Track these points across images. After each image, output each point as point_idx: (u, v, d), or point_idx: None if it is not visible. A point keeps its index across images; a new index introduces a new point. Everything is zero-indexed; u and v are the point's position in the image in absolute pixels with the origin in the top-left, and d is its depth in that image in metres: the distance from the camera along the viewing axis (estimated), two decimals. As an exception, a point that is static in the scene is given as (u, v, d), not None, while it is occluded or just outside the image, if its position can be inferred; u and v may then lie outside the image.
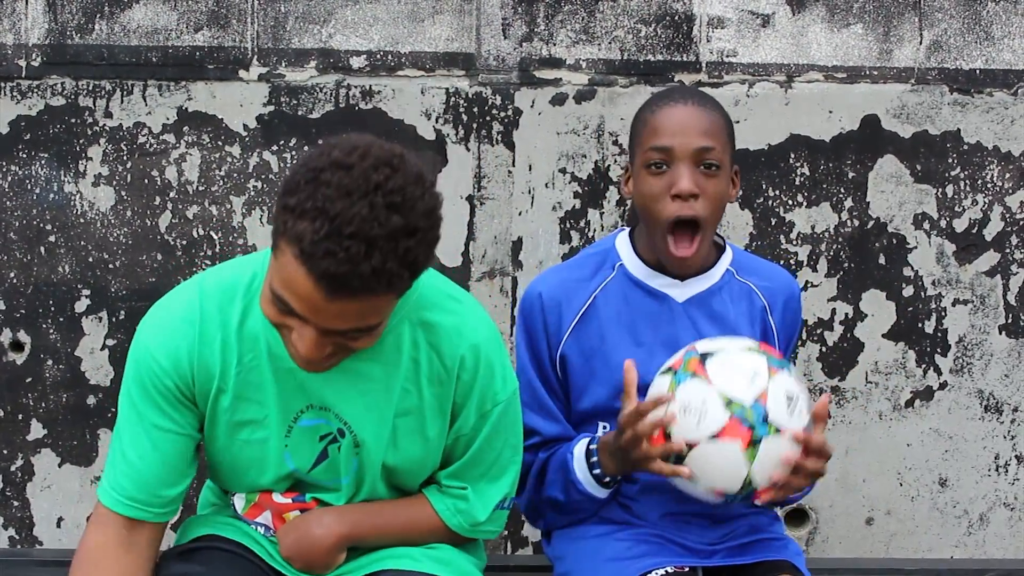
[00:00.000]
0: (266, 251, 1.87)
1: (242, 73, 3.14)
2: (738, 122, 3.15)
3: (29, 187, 3.14)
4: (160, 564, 2.05)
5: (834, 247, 3.19)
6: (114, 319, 3.16)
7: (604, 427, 2.24)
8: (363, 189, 1.68)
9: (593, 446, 2.18)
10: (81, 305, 3.16)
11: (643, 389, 2.10)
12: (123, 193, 3.14)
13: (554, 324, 2.26)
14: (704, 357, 2.04)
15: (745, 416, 1.97)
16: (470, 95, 3.15)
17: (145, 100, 3.13)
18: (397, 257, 1.69)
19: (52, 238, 3.15)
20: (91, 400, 3.17)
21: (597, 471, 2.17)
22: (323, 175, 1.70)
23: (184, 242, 3.15)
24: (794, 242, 3.18)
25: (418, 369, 1.98)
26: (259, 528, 2.08)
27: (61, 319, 3.16)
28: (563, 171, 3.16)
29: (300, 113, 3.13)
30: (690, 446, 1.99)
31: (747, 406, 1.98)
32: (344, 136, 1.77)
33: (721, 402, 1.99)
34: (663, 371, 2.08)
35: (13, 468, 3.19)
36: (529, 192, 3.16)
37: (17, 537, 3.20)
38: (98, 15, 3.13)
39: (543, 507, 2.28)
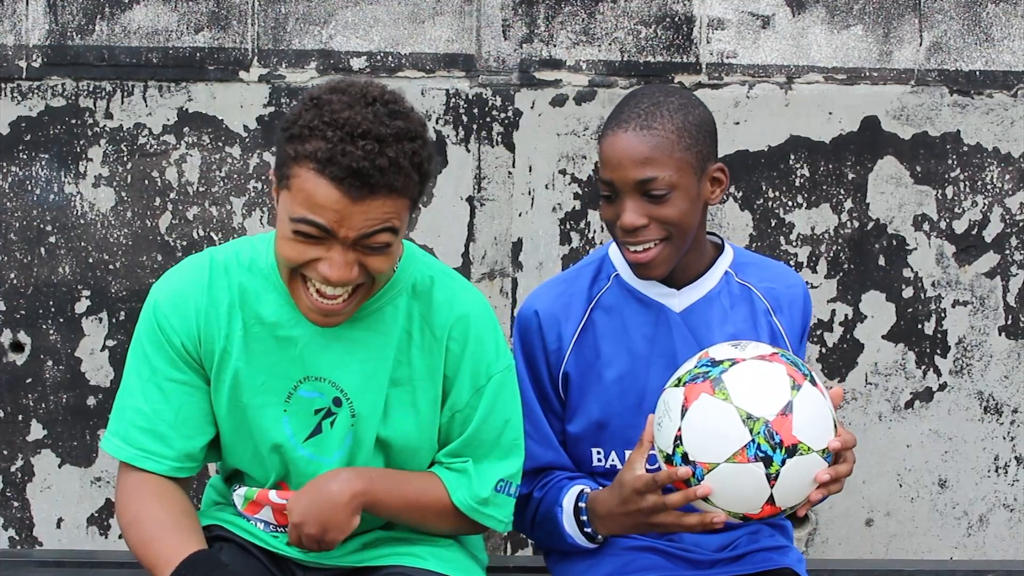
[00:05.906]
0: (271, 232, 1.99)
1: (242, 74, 3.14)
2: (738, 123, 3.16)
3: (29, 188, 3.14)
4: None
5: (834, 248, 3.19)
6: (114, 320, 3.16)
7: (598, 452, 2.18)
8: (363, 101, 1.86)
9: (583, 503, 2.10)
10: (81, 306, 3.16)
11: (637, 406, 2.10)
12: (123, 194, 3.14)
13: (554, 342, 2.17)
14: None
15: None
16: (470, 96, 3.15)
17: (145, 101, 3.13)
18: (407, 156, 1.84)
19: (52, 239, 3.15)
20: (91, 401, 3.17)
21: (588, 530, 2.11)
22: (323, 97, 1.87)
23: (184, 243, 3.15)
24: (794, 243, 3.18)
25: (410, 340, 2.03)
26: (259, 524, 2.10)
27: (61, 320, 3.16)
28: (563, 172, 3.16)
29: (300, 114, 3.13)
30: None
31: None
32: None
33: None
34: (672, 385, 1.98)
35: (13, 469, 3.19)
36: (529, 193, 3.16)
37: (17, 538, 3.20)
38: (98, 16, 3.13)
39: (537, 541, 2.27)
